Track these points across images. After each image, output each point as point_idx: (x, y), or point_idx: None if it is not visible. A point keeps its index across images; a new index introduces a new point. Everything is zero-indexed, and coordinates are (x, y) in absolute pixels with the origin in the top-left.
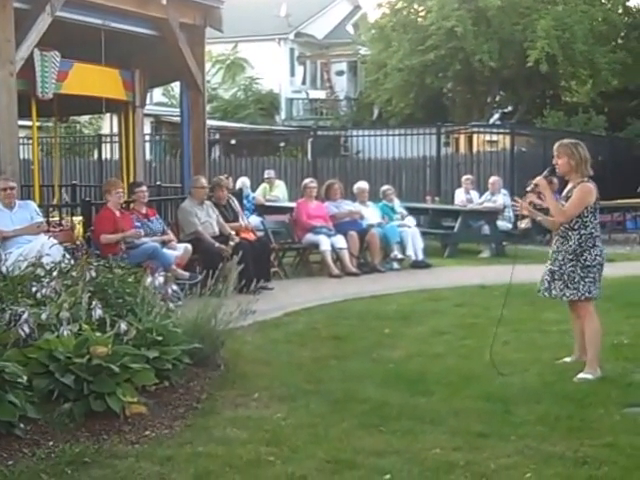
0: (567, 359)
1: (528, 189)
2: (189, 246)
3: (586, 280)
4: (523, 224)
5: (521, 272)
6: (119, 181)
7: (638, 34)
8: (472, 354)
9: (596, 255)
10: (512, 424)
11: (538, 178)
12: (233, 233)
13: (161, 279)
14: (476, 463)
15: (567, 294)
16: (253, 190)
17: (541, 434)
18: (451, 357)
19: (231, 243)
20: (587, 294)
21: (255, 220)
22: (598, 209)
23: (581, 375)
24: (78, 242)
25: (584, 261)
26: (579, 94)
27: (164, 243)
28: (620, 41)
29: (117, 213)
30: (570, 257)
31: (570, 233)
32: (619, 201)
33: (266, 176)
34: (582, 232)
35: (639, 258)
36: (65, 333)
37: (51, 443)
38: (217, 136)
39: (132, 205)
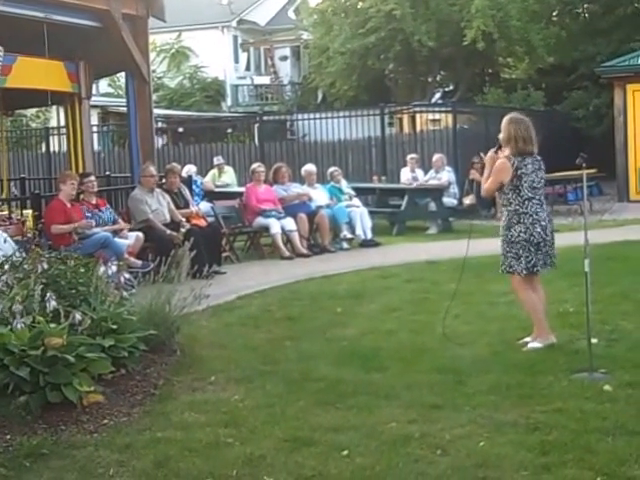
0: (527, 338)
1: (492, 150)
2: (141, 234)
3: (508, 255)
4: (468, 200)
5: (468, 246)
6: (73, 173)
7: (570, 10)
8: (423, 329)
9: (520, 232)
10: (465, 395)
11: (490, 152)
12: (184, 220)
13: (114, 268)
14: (431, 435)
15: (500, 268)
16: (202, 176)
17: (493, 403)
18: (403, 332)
19: (182, 230)
20: (508, 269)
21: (205, 206)
22: (524, 186)
23: (530, 344)
24: (29, 235)
25: (510, 237)
26: (517, 71)
27: (115, 232)
28: (554, 18)
29: (68, 204)
30: (501, 232)
31: (503, 209)
32: (559, 174)
33: (215, 162)
34: (508, 209)
35: (581, 228)
36: (19, 326)
37: (8, 437)
38: (164, 125)
39: (82, 196)
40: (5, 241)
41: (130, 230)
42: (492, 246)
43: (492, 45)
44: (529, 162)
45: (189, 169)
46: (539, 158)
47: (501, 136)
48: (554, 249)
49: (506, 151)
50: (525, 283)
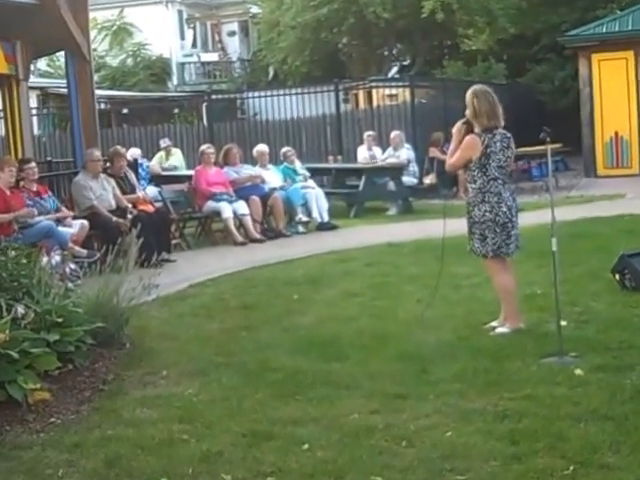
0: (494, 323)
1: (460, 122)
2: (85, 222)
3: (474, 237)
4: (428, 179)
5: (428, 227)
6: (12, 158)
7: None
8: (385, 314)
9: (485, 211)
10: (429, 383)
11: (458, 123)
12: (130, 206)
13: (58, 258)
14: (395, 425)
15: (467, 248)
16: (148, 159)
17: (459, 391)
18: (364, 319)
19: (129, 216)
20: (477, 250)
21: (152, 191)
22: (492, 165)
23: (498, 329)
24: None
25: (473, 217)
26: (478, 42)
27: (59, 221)
28: None
29: (7, 192)
30: (466, 211)
31: (468, 186)
32: (523, 149)
33: (162, 145)
34: (472, 186)
35: (547, 206)
36: None
37: None
38: (107, 106)
39: (22, 183)
40: None
41: (74, 218)
42: (455, 227)
43: (451, 16)
44: (498, 139)
45: (133, 152)
46: (509, 135)
47: (467, 112)
48: (518, 230)
49: (476, 127)
50: (496, 265)
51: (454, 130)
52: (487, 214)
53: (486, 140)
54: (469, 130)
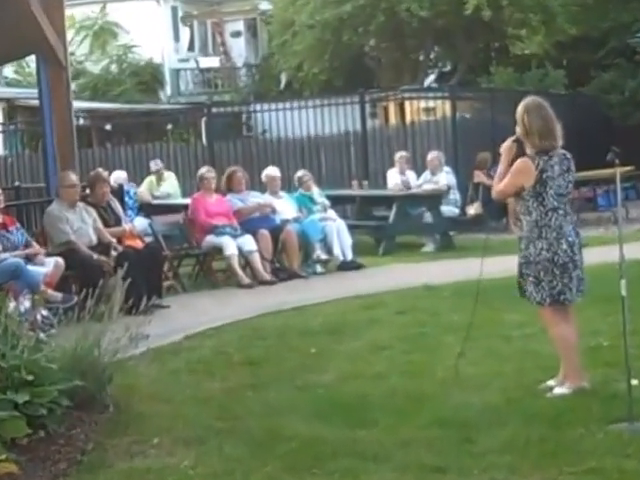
0: (551, 382)
1: (510, 139)
2: (60, 260)
3: (527, 279)
4: (473, 209)
5: (473, 266)
6: None
7: None
8: (421, 371)
9: (541, 249)
10: (473, 454)
11: (508, 141)
12: (115, 241)
13: (27, 303)
14: None
15: (517, 293)
16: (136, 185)
17: (509, 464)
18: (395, 376)
19: (113, 253)
20: (530, 296)
21: (141, 223)
22: (549, 193)
23: (556, 390)
24: None
25: (528, 256)
26: (531, 45)
27: (29, 258)
28: None
29: None
30: (519, 248)
31: (522, 219)
32: (587, 173)
33: (153, 168)
34: (527, 219)
35: (615, 241)
36: None
37: None
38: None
39: None
40: None
41: (47, 255)
42: (505, 266)
43: (500, 13)
44: (556, 162)
45: (118, 177)
46: (569, 156)
47: (518, 129)
48: (583, 271)
49: (528, 148)
50: (555, 314)
51: (503, 149)
52: (544, 252)
53: (541, 164)
54: (522, 150)
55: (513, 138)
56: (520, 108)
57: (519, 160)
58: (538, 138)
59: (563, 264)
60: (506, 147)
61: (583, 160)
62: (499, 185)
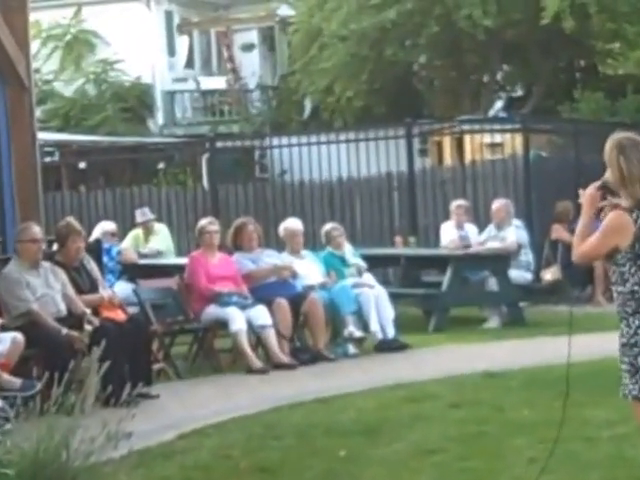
0: None
1: (594, 186)
2: (19, 336)
3: (622, 367)
4: (549, 274)
5: (549, 348)
6: None
7: None
8: None
9: (637, 328)
10: None
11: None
12: (89, 311)
13: None
14: None
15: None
16: (119, 241)
17: None
18: None
19: (88, 327)
20: (625, 390)
21: (124, 288)
22: None
23: None
24: None
25: (620, 336)
26: (627, 64)
27: None
28: None
29: None
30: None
31: (613, 289)
32: None
33: (140, 219)
34: (619, 289)
35: None
36: None
37: None
38: (56, 157)
39: None
40: None
41: (2, 329)
42: (589, 348)
43: (587, 23)
44: None
45: (102, 229)
46: None
47: (608, 173)
48: None
49: (622, 200)
50: None
51: (584, 198)
52: None
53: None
54: (611, 203)
55: (599, 183)
56: (611, 147)
57: (613, 214)
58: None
59: None
60: (589, 195)
61: None
62: (583, 245)
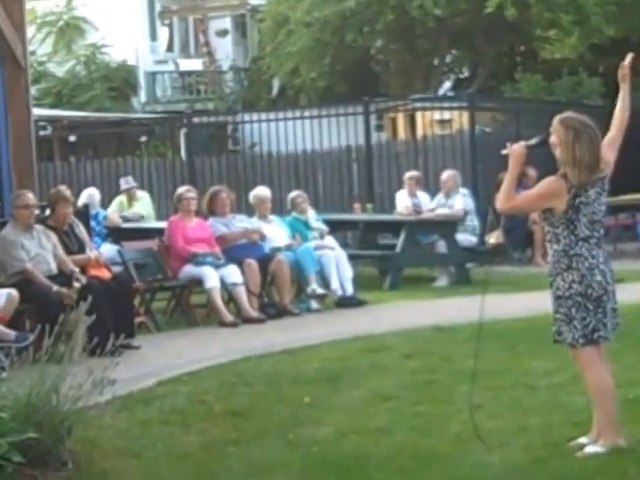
0: (583, 439)
1: (523, 143)
2: (14, 292)
3: (557, 316)
4: (493, 238)
5: (494, 305)
6: None
7: None
8: (431, 426)
9: (571, 282)
10: None
11: (518, 144)
12: (78, 270)
13: None
14: None
15: (552, 337)
16: (105, 207)
17: None
18: (401, 432)
19: (76, 284)
20: (557, 336)
21: (109, 249)
22: (582, 221)
23: (589, 448)
24: None
25: (556, 289)
26: (563, 48)
27: None
28: None
29: None
30: (549, 283)
31: (548, 247)
32: (626, 197)
33: (123, 186)
34: (554, 247)
35: None
36: None
37: None
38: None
39: None
40: None
41: None
42: (530, 304)
43: (526, 12)
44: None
45: (90, 195)
46: (603, 175)
47: (558, 152)
48: (616, 301)
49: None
50: (590, 355)
51: (512, 156)
52: (575, 286)
53: (574, 189)
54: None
55: (529, 143)
56: (566, 127)
57: (551, 179)
58: (587, 172)
59: (597, 297)
60: (519, 154)
61: (622, 182)
62: (517, 198)
